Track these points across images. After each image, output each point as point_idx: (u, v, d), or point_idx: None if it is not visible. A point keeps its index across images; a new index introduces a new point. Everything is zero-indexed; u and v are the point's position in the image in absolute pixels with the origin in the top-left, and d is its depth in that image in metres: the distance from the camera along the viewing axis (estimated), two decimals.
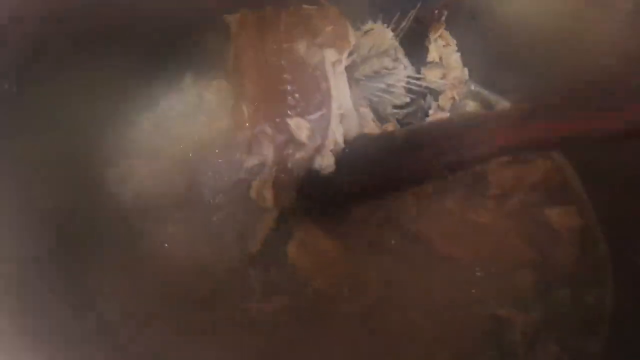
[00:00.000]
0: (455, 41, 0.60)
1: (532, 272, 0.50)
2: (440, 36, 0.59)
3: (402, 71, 0.58)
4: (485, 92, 0.63)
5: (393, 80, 0.57)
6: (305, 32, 0.52)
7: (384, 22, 0.59)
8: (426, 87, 0.59)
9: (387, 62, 0.56)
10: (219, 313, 0.49)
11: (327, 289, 0.49)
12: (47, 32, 0.44)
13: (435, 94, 0.60)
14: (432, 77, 0.59)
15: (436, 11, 0.59)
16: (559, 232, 0.53)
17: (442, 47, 0.59)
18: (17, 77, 0.43)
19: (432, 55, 0.60)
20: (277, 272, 0.51)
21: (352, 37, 0.51)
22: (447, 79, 0.59)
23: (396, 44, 0.59)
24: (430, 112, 0.59)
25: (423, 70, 0.60)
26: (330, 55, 0.50)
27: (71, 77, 0.47)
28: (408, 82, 0.58)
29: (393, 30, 0.59)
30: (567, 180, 0.57)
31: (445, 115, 0.59)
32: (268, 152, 0.46)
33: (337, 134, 0.47)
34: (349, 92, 0.50)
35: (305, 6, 0.56)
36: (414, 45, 0.60)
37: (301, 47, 0.51)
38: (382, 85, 0.57)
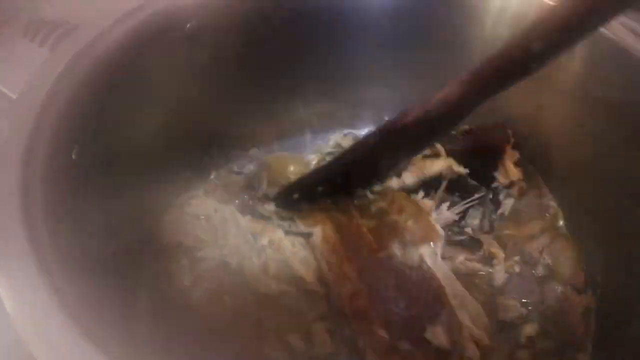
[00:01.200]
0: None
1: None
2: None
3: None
4: None
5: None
6: (392, 233, 0.54)
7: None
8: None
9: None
10: None
11: None
12: None
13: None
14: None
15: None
16: None
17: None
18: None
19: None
20: None
21: (438, 226, 0.55)
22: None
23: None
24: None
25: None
26: (426, 251, 0.52)
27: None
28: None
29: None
30: None
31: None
32: None
33: (468, 324, 0.50)
34: (455, 277, 0.53)
35: (370, 197, 0.60)
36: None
37: (397, 251, 0.53)
38: None
